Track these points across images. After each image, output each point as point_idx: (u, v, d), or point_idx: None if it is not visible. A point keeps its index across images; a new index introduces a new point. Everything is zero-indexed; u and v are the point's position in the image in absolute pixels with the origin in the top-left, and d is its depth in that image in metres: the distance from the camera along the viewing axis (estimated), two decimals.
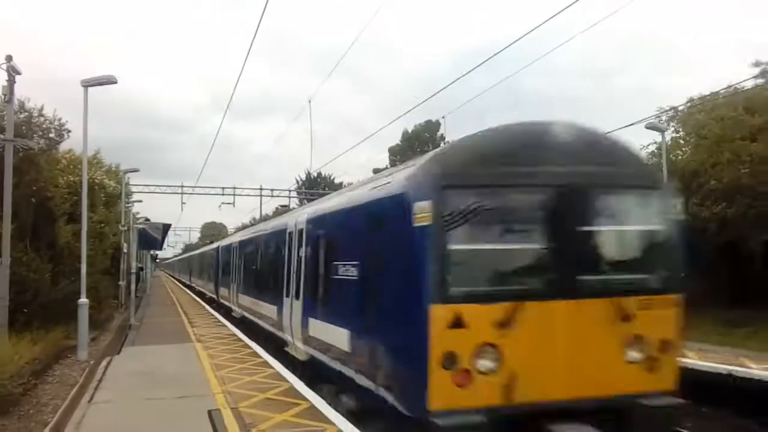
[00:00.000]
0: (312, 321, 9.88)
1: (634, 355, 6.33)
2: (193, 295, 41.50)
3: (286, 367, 10.94)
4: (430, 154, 7.54)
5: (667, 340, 6.48)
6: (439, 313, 5.82)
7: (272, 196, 54.38)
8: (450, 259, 5.94)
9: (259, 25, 18.30)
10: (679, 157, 18.14)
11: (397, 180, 7.17)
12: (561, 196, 6.29)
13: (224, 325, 19.97)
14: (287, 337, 11.80)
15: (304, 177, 61.84)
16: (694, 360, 11.65)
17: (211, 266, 31.59)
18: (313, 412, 7.86)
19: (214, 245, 33.58)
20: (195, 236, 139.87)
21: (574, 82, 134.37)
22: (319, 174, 59.75)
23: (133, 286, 26.54)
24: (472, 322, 5.86)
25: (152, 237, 38.97)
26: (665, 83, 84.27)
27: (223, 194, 50.29)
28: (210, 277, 31.85)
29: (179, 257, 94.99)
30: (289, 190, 58.44)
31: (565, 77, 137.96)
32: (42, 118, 17.94)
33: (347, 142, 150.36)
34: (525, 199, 6.39)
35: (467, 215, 6.01)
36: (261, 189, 52.10)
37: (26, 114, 17.34)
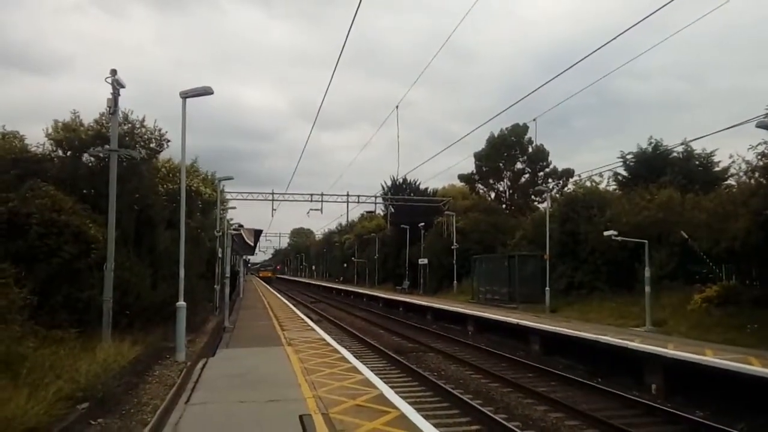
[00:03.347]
0: None
1: None
2: (282, 298, 42.50)
3: None
4: None
5: None
6: None
7: (358, 202, 55.07)
8: None
9: (347, 37, 18.41)
10: None
11: None
12: None
13: (314, 330, 20.23)
14: None
15: (389, 183, 62.15)
16: None
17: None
18: (404, 422, 7.69)
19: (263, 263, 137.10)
20: (285, 242, 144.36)
21: (667, 83, 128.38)
22: (405, 180, 59.87)
23: (227, 290, 27.40)
24: None
25: (245, 242, 40.40)
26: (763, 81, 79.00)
27: (311, 201, 51.43)
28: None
29: (260, 265, 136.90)
30: (375, 197, 58.93)
31: (659, 77, 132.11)
32: (144, 129, 18.85)
33: (432, 148, 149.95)
34: None
35: None
36: (348, 195, 52.86)
37: (129, 125, 18.26)
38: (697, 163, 30.50)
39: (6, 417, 6.76)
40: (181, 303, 14.15)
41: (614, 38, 14.01)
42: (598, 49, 14.82)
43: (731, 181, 27.25)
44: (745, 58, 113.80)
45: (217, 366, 12.59)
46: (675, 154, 30.96)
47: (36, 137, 17.83)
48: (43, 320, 11.94)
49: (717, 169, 30.07)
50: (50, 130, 17.59)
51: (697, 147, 30.69)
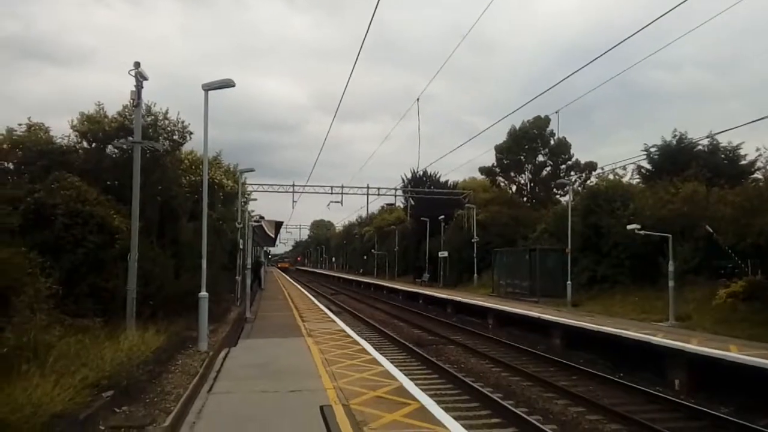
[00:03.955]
0: None
1: None
2: (303, 289, 42.73)
3: None
4: None
5: None
6: None
7: (378, 195, 55.04)
8: None
9: (368, 30, 18.36)
10: None
11: None
12: None
13: (334, 321, 20.33)
14: None
15: (409, 176, 62.03)
16: None
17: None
18: (424, 413, 7.72)
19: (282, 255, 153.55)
20: (305, 234, 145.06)
21: (696, 74, 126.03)
22: (425, 172, 59.72)
23: (248, 281, 27.59)
24: None
25: (266, 234, 40.51)
26: None
27: (331, 193, 51.54)
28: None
29: (279, 257, 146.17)
30: (395, 189, 58.87)
31: (687, 68, 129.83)
32: (167, 121, 18.98)
33: (452, 141, 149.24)
34: None
35: None
36: (368, 188, 52.84)
37: (152, 117, 18.40)
38: (722, 156, 30.01)
39: (33, 403, 6.88)
40: (204, 293, 14.28)
41: (640, 30, 13.79)
42: (625, 40, 14.60)
43: (758, 175, 26.79)
44: None
45: (239, 356, 12.73)
46: (700, 147, 30.48)
47: (61, 130, 18.02)
48: (69, 309, 12.10)
49: (743, 162, 29.56)
50: (75, 122, 17.80)
51: (723, 140, 30.19)
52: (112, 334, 11.65)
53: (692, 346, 13.60)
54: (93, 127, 17.51)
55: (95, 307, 13.24)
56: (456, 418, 7.82)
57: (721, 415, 10.86)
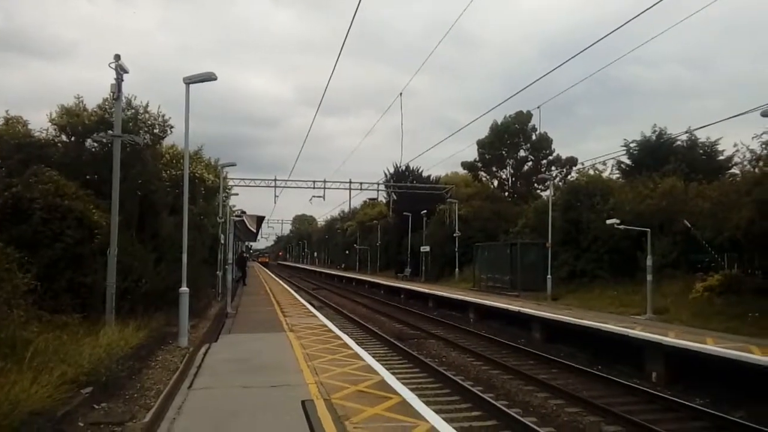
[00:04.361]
0: None
1: None
2: (284, 284, 42.64)
3: None
4: None
5: None
6: None
7: (361, 189, 55.01)
8: None
9: (351, 24, 18.31)
10: None
11: None
12: None
13: (315, 316, 20.32)
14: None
15: (392, 170, 62.05)
16: None
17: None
18: (405, 407, 7.75)
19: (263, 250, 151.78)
20: (287, 228, 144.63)
21: (676, 70, 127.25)
22: (407, 167, 59.78)
23: (229, 276, 27.44)
24: None
25: (248, 229, 40.35)
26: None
27: (314, 187, 51.40)
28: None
29: (259, 252, 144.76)
30: (377, 184, 58.88)
31: (667, 65, 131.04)
32: (147, 115, 18.80)
33: (435, 136, 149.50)
34: None
35: None
36: (350, 182, 52.78)
37: (133, 111, 18.21)
38: (701, 151, 30.40)
39: (11, 400, 6.82)
40: (184, 289, 14.20)
41: (622, 25, 13.94)
42: (605, 36, 14.79)
43: (735, 170, 27.20)
44: (761, 41, 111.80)
45: (220, 351, 12.67)
46: (679, 143, 30.86)
47: (40, 123, 17.78)
48: (47, 305, 11.98)
49: (721, 158, 29.97)
50: (54, 115, 17.57)
51: (702, 135, 30.59)
52: (91, 330, 11.58)
53: (669, 339, 13.80)
54: (72, 120, 17.29)
55: (74, 302, 13.12)
56: (437, 412, 7.87)
57: (697, 407, 11.05)
